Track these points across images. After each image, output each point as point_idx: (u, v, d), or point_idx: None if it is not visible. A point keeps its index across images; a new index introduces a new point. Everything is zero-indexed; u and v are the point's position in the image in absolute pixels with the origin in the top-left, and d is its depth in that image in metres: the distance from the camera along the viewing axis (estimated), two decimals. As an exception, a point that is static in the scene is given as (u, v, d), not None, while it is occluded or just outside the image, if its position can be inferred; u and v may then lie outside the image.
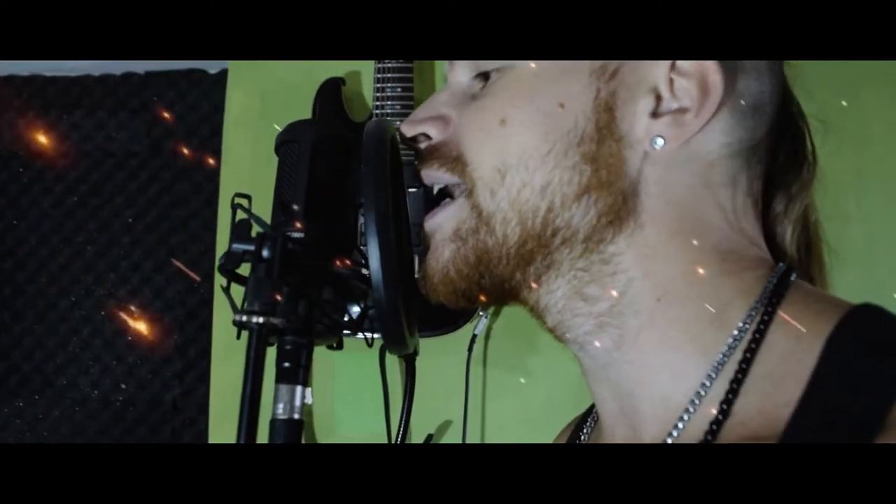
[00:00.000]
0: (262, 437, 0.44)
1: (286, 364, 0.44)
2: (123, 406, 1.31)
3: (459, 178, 0.49)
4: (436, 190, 0.51)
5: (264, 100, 1.35)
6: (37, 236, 1.36)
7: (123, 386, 1.31)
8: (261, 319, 0.39)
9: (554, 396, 1.22)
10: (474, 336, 1.19)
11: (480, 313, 1.18)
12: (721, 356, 0.45)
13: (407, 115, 1.19)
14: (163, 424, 1.30)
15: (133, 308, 1.33)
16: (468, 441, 1.20)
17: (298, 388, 0.44)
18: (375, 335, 0.49)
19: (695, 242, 0.47)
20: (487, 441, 1.23)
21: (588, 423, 0.61)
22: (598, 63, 0.46)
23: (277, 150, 0.49)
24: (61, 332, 1.33)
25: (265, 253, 0.41)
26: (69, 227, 1.36)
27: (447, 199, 0.51)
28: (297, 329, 0.44)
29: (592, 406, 0.63)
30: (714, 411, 0.44)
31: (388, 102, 1.21)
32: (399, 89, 1.21)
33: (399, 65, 1.21)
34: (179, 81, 1.39)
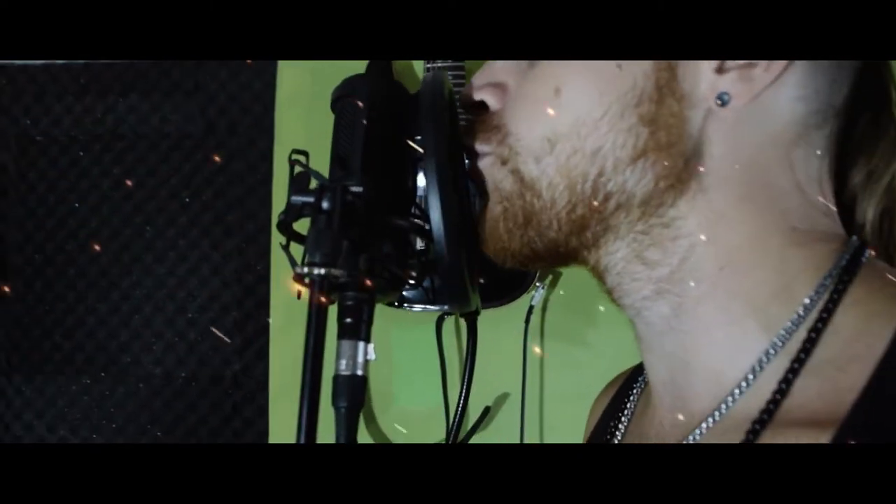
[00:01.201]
0: (325, 394, 0.43)
1: (348, 319, 0.43)
2: (186, 382, 1.34)
3: (496, 147, 0.47)
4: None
5: (315, 76, 1.35)
6: (98, 218, 1.39)
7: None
8: (322, 271, 0.39)
9: (613, 368, 1.19)
10: (531, 307, 1.17)
11: (537, 284, 1.16)
12: (784, 332, 0.42)
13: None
14: (224, 399, 1.32)
15: (192, 285, 1.35)
16: (526, 413, 1.19)
17: (361, 344, 0.43)
18: (433, 307, 0.48)
19: (763, 210, 0.44)
20: (546, 413, 1.22)
21: (638, 385, 0.59)
22: None
23: (333, 105, 0.49)
24: (124, 310, 1.36)
25: (325, 205, 0.40)
26: (128, 208, 1.39)
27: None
28: (358, 284, 0.43)
29: (641, 364, 0.61)
30: (771, 389, 0.42)
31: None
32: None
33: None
34: (232, 60, 1.39)
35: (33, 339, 1.39)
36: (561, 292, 1.21)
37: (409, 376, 1.24)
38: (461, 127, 0.50)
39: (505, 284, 1.15)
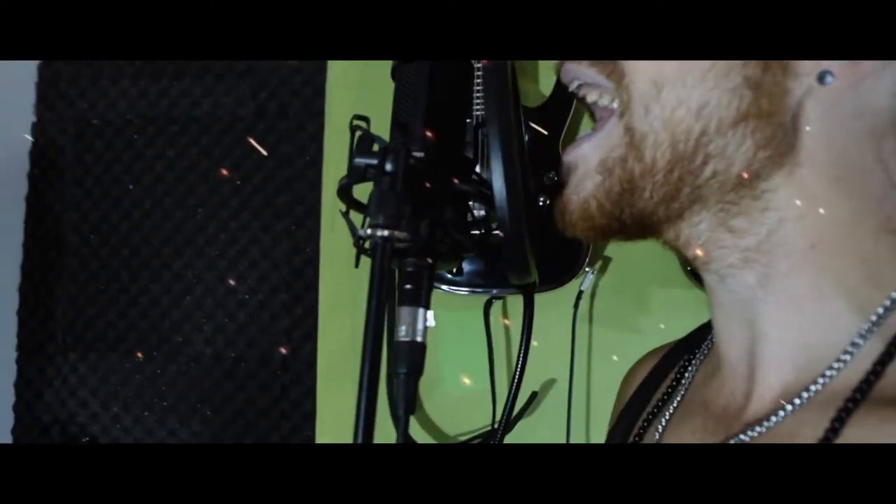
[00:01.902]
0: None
1: (408, 286, 0.43)
2: (235, 363, 1.35)
3: (615, 87, 0.46)
4: (573, 86, 0.49)
5: (366, 61, 1.35)
6: (151, 200, 1.42)
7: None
8: (385, 233, 0.39)
9: (662, 357, 1.18)
10: (580, 293, 1.16)
11: (587, 269, 1.15)
12: (877, 317, 0.43)
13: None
14: (273, 380, 1.34)
15: (242, 267, 1.37)
16: (573, 400, 1.18)
17: (421, 311, 0.43)
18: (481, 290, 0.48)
19: (856, 194, 0.45)
20: (593, 400, 1.20)
21: (697, 357, 0.59)
22: None
23: (394, 73, 0.49)
24: (176, 291, 1.39)
25: (388, 167, 0.40)
26: (181, 190, 1.41)
27: (589, 132, 0.49)
28: (419, 250, 0.43)
29: (693, 334, 0.61)
30: (864, 369, 0.43)
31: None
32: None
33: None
34: (283, 60, 1.40)
35: (88, 318, 1.43)
36: (610, 278, 1.19)
37: (455, 360, 1.24)
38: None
39: (554, 269, 1.14)
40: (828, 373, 0.44)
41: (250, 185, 1.38)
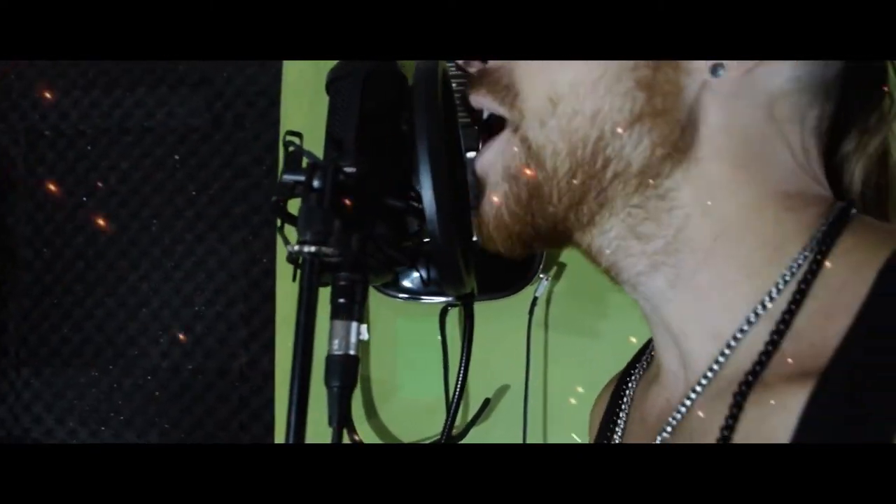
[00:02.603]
0: (318, 374, 0.44)
1: (341, 300, 0.44)
2: (192, 375, 1.34)
3: (508, 110, 0.47)
4: (485, 115, 0.50)
5: (320, 70, 1.35)
6: (106, 211, 1.40)
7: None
8: (313, 249, 0.39)
9: (618, 361, 1.19)
10: (535, 299, 1.17)
11: (541, 276, 1.16)
12: (774, 289, 0.43)
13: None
14: (231, 392, 1.33)
15: (199, 279, 1.36)
16: (529, 406, 1.18)
17: (354, 324, 0.44)
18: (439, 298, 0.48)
19: (758, 179, 0.45)
20: (550, 406, 1.21)
21: (635, 373, 0.60)
22: None
23: (328, 87, 0.49)
24: (131, 304, 1.37)
25: (316, 183, 0.40)
26: (135, 202, 1.39)
27: (493, 139, 0.50)
28: (351, 264, 0.43)
29: (642, 349, 0.62)
30: (762, 344, 0.42)
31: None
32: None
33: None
34: (238, 60, 1.40)
35: (42, 332, 1.40)
36: (565, 284, 1.20)
37: (413, 367, 1.24)
38: (467, 79, 0.51)
39: (508, 276, 1.15)
40: (725, 350, 0.44)
41: (206, 196, 1.37)
